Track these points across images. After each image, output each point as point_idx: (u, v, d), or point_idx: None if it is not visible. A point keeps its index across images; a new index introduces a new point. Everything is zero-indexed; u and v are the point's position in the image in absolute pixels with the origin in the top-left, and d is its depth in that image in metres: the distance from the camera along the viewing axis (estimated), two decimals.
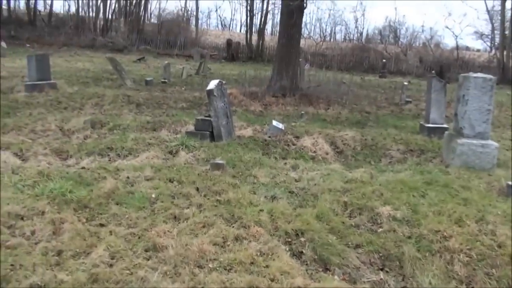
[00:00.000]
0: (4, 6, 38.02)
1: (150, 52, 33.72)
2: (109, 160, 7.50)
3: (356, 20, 76.08)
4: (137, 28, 39.20)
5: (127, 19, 40.43)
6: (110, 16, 40.80)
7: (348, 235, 5.17)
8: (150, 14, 47.48)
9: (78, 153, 7.71)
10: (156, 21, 44.21)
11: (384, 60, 33.00)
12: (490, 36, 38.91)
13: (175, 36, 38.18)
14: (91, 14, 41.60)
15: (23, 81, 14.12)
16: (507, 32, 34.20)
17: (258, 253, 4.36)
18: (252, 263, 4.18)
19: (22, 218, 4.76)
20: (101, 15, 40.73)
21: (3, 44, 26.28)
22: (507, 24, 34.41)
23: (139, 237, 4.48)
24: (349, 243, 5.05)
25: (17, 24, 35.77)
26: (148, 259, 4.09)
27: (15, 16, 38.22)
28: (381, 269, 4.76)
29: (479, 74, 7.95)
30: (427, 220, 5.49)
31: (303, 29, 49.98)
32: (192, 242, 4.36)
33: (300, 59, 19.80)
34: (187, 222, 4.86)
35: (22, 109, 11.21)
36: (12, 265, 3.87)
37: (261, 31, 39.49)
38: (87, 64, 22.45)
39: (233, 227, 4.87)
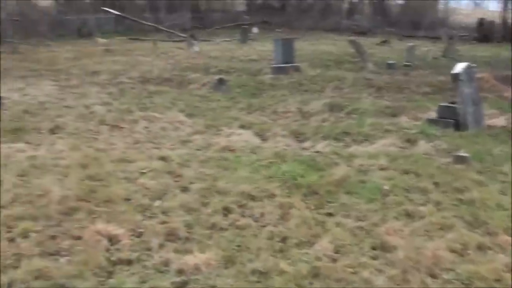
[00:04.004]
0: None
1: (394, 34, 32.70)
2: (344, 145, 7.30)
3: None
4: (381, 10, 38.43)
5: (372, 1, 39.93)
6: None
7: None
8: None
9: (315, 136, 7.67)
10: (401, 2, 42.74)
11: None
12: None
13: (422, 17, 36.41)
14: None
15: (270, 64, 14.82)
16: None
17: (506, 269, 3.68)
18: (497, 280, 3.53)
19: (253, 199, 4.85)
20: None
21: (256, 29, 28.26)
22: None
23: (367, 233, 4.16)
24: None
25: (269, 10, 38.04)
26: (375, 259, 3.74)
27: (267, 3, 40.73)
28: None
29: None
30: None
31: None
32: (426, 246, 3.88)
33: None
34: (421, 221, 4.37)
35: (267, 90, 11.71)
36: (238, 246, 3.91)
37: None
38: (330, 47, 22.72)
39: (476, 232, 4.22)
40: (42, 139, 7.04)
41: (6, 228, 4.11)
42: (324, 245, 3.89)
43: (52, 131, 7.54)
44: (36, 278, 3.40)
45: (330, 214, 4.54)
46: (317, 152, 6.74)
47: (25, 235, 4.02)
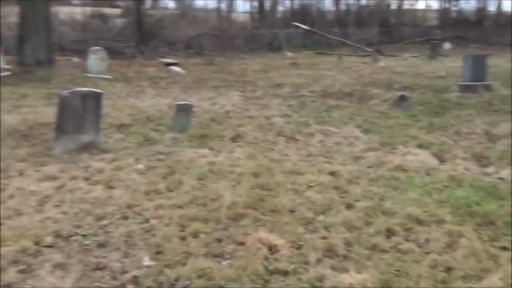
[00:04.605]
0: (454, 8, 39.04)
1: None
2: None
3: None
4: None
5: None
6: None
7: None
8: None
9: (500, 161, 7.06)
10: None
11: None
12: None
13: None
14: None
15: (458, 81, 14.01)
16: None
17: None
18: None
19: (420, 223, 4.63)
20: None
21: (448, 44, 26.93)
22: None
23: None
24: None
25: (464, 25, 35.97)
26: None
27: (462, 18, 38.56)
28: None
29: None
30: None
31: None
32: None
33: None
34: None
35: (452, 109, 11.08)
36: (397, 270, 3.76)
37: None
38: None
39: None
40: (224, 146, 7.53)
41: (179, 227, 4.48)
42: (494, 281, 3.56)
43: (233, 139, 8.03)
44: (199, 277, 3.64)
45: (505, 248, 4.14)
46: (501, 179, 6.18)
47: (195, 235, 4.34)
